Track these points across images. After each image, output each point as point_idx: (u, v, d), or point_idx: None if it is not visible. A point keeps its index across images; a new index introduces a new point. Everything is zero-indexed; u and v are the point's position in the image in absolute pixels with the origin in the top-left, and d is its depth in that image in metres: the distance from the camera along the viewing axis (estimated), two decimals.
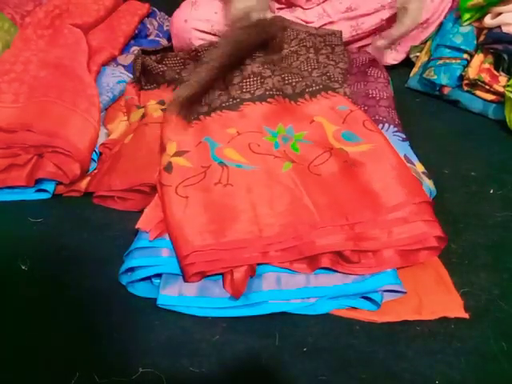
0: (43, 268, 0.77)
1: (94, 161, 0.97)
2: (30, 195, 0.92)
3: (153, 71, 1.14)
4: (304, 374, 0.63)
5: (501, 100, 1.08)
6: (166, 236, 0.75)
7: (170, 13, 1.29)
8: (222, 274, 0.72)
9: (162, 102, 1.05)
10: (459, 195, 0.91)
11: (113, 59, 1.23)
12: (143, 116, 1.03)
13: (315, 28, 1.21)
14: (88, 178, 0.94)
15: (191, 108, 0.96)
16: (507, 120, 1.04)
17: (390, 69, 1.28)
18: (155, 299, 0.70)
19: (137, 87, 1.14)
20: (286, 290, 0.71)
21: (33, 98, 0.97)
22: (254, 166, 0.83)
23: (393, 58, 1.33)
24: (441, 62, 1.18)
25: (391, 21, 1.21)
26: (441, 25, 1.26)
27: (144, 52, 1.20)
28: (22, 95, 0.99)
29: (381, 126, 0.94)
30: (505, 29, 1.08)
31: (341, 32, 1.18)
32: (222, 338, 0.67)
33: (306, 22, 1.24)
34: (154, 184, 0.83)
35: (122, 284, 0.74)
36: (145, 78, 1.16)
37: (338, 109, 0.94)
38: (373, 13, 1.21)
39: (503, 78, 1.08)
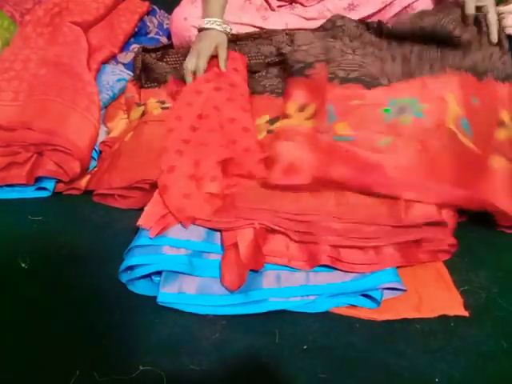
0: (43, 266, 0.77)
1: (94, 159, 0.97)
2: (30, 193, 0.92)
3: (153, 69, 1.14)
4: (304, 371, 0.63)
5: None
6: (167, 233, 0.75)
7: (169, 11, 1.29)
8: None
9: (162, 101, 1.05)
10: None
11: (113, 57, 1.23)
12: (143, 114, 1.02)
13: None
14: (88, 176, 0.95)
15: None
16: None
17: None
18: (155, 297, 0.70)
19: (137, 85, 1.14)
20: (285, 288, 0.71)
21: (32, 96, 0.97)
22: (355, 137, 0.83)
23: None
24: None
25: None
26: None
27: (144, 50, 1.20)
28: (21, 93, 0.99)
29: None
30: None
31: None
32: (222, 335, 0.67)
33: (307, 19, 1.24)
34: (154, 181, 0.83)
35: (122, 282, 0.74)
36: (145, 75, 1.16)
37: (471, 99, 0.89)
38: (375, 13, 1.20)
39: None
